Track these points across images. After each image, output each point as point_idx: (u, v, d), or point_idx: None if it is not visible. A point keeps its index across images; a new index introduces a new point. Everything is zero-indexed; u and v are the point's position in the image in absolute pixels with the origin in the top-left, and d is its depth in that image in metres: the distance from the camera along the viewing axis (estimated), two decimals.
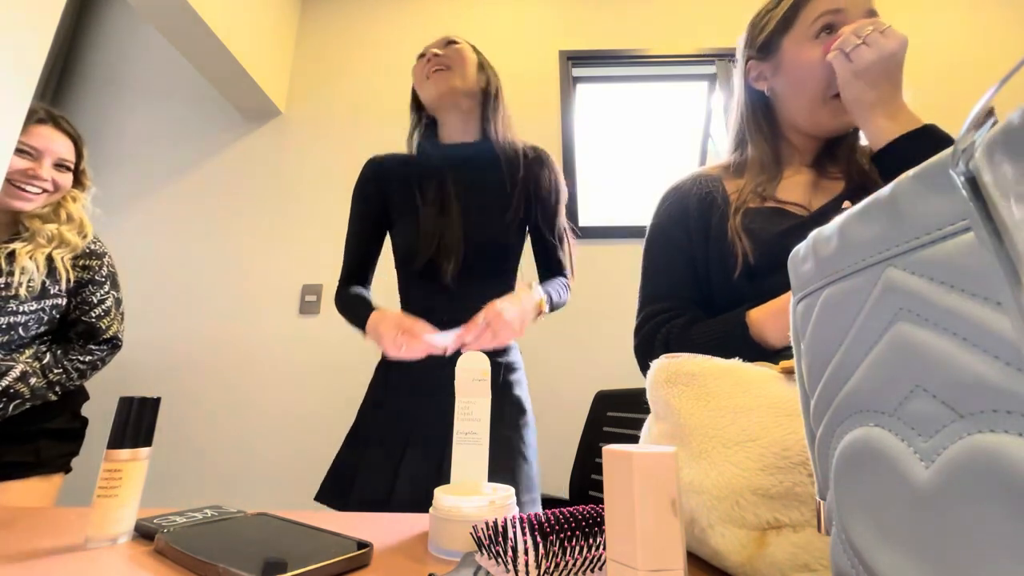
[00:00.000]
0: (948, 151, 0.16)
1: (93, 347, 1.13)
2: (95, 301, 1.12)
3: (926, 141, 0.58)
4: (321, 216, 1.91)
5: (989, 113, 0.15)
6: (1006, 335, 0.14)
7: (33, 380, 1.02)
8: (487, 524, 0.38)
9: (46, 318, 1.04)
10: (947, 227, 0.16)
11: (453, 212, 0.92)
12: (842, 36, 0.64)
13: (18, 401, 1.00)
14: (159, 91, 2.09)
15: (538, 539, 0.35)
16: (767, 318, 0.64)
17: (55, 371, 1.06)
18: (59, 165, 1.09)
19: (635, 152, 2.12)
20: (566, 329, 1.70)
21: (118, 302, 1.18)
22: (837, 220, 0.23)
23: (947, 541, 0.15)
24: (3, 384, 0.98)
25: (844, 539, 0.21)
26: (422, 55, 0.98)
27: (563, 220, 1.02)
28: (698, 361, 0.42)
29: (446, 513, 0.45)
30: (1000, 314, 0.14)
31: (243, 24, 1.76)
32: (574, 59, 2.02)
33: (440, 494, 0.47)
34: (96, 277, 1.13)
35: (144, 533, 0.47)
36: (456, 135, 0.99)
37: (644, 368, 0.50)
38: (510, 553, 0.35)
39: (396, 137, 1.96)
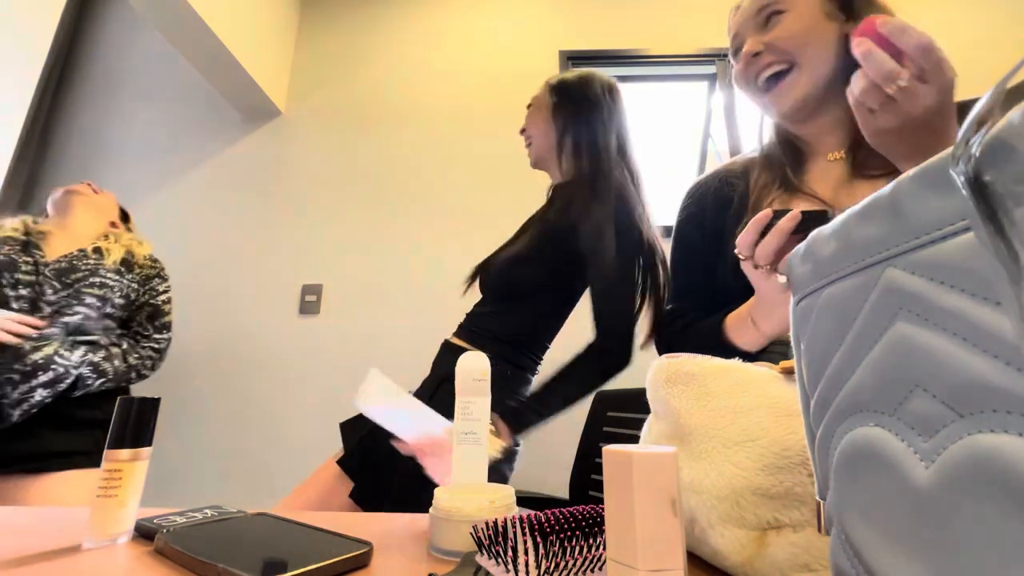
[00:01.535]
0: (948, 151, 0.16)
1: (157, 335, 1.32)
2: (161, 289, 1.35)
3: None
4: (321, 216, 1.91)
5: (989, 112, 0.15)
6: (1006, 335, 0.14)
7: (116, 361, 1.18)
8: (487, 524, 0.38)
9: (126, 291, 1.24)
10: (947, 227, 0.16)
11: None
12: (868, 77, 0.50)
13: (103, 380, 1.14)
14: (159, 91, 2.09)
15: (538, 539, 0.35)
16: (732, 323, 0.64)
17: (133, 356, 1.23)
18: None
19: (635, 152, 2.12)
20: (566, 329, 1.69)
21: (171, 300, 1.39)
22: (837, 220, 0.23)
23: (947, 541, 0.15)
24: (95, 359, 1.13)
25: (844, 539, 0.21)
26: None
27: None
28: (698, 361, 0.42)
29: (446, 513, 0.45)
30: (1000, 314, 0.14)
31: (243, 24, 1.76)
32: (574, 59, 2.02)
33: (440, 494, 0.47)
34: (162, 274, 1.37)
35: (144, 533, 0.47)
36: None
37: None
38: (510, 553, 0.35)
39: (396, 137, 1.96)
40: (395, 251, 1.78)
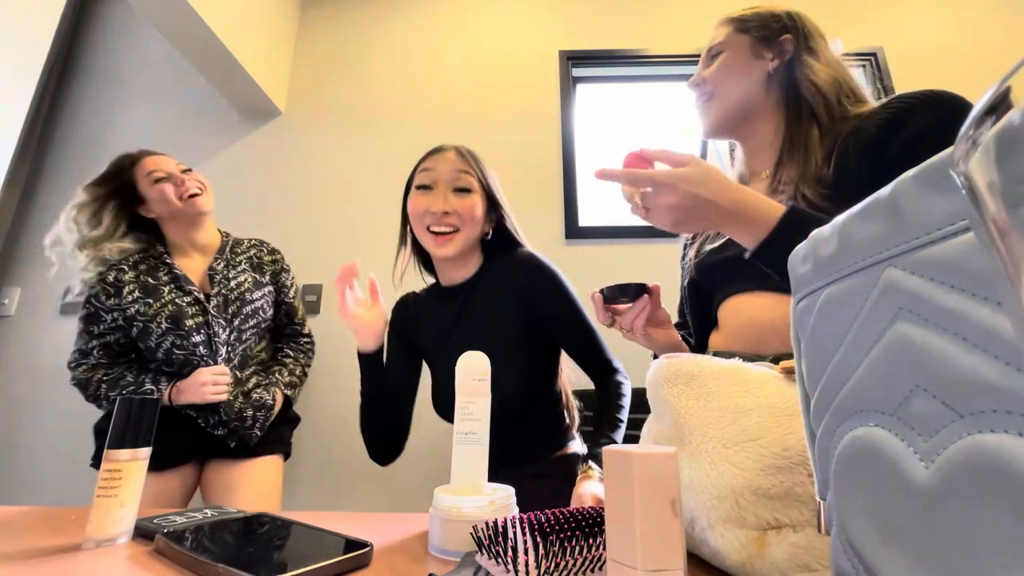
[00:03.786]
0: (948, 151, 0.16)
1: (303, 330, 1.38)
2: (288, 284, 1.36)
3: (788, 236, 0.51)
4: (321, 216, 1.91)
5: (989, 112, 0.14)
6: (1006, 335, 0.14)
7: (297, 369, 1.31)
8: (487, 524, 0.38)
9: (271, 300, 1.29)
10: (947, 227, 0.16)
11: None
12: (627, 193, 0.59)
13: (298, 389, 1.29)
14: (159, 91, 2.09)
15: (538, 539, 0.35)
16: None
17: (301, 358, 1.34)
18: (184, 170, 1.24)
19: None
20: None
21: (298, 288, 1.43)
22: (837, 220, 0.23)
23: (947, 541, 0.15)
24: (287, 378, 1.26)
25: (844, 539, 0.21)
26: (424, 186, 0.88)
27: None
28: (698, 361, 0.42)
29: (446, 513, 0.45)
30: (1000, 314, 0.14)
31: (243, 24, 1.76)
32: (574, 59, 2.02)
33: (440, 494, 0.47)
34: (283, 264, 1.36)
35: (144, 533, 0.47)
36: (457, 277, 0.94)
37: None
38: (510, 553, 0.35)
39: (396, 137, 1.96)
40: (394, 249, 1.78)
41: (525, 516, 0.39)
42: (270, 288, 1.29)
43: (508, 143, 1.92)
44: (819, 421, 0.23)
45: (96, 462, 1.16)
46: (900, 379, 0.18)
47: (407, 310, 1.02)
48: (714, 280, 0.77)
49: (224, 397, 1.10)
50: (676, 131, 2.12)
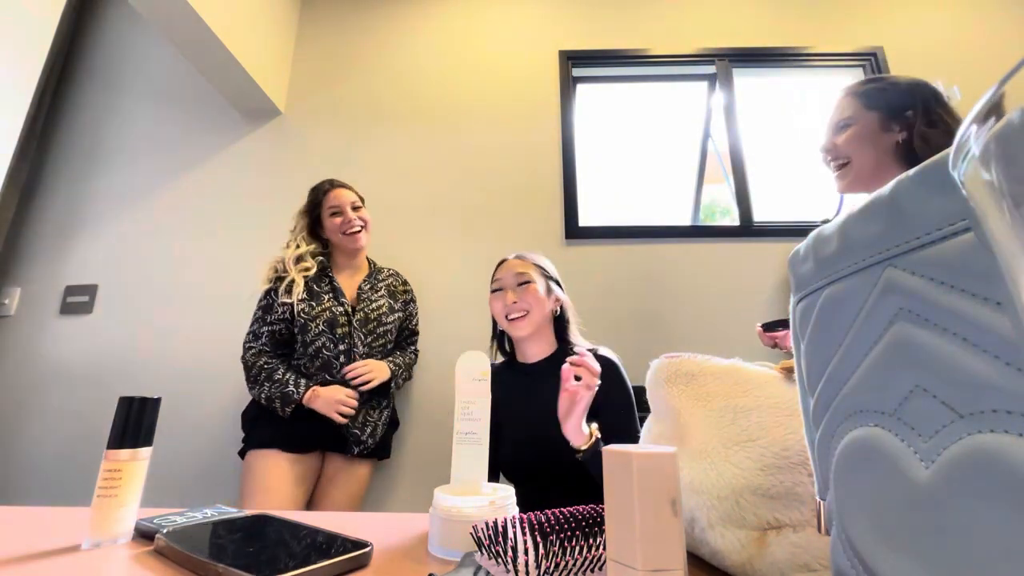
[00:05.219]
0: (948, 151, 0.16)
1: (411, 348, 1.53)
2: (415, 313, 1.57)
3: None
4: None
5: (990, 112, 0.14)
6: (1006, 335, 0.14)
7: (407, 374, 1.45)
8: (487, 524, 0.38)
9: (398, 325, 1.47)
10: (947, 227, 0.16)
11: None
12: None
13: (388, 394, 1.40)
14: (159, 91, 2.09)
15: (538, 539, 0.35)
16: None
17: (410, 371, 1.48)
18: (355, 207, 1.45)
19: (635, 152, 2.12)
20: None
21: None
22: (838, 220, 0.23)
23: (947, 541, 0.15)
24: (401, 379, 1.41)
25: (844, 539, 0.21)
26: (497, 290, 1.10)
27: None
28: (698, 361, 0.42)
29: (446, 513, 0.45)
30: (1000, 314, 0.14)
31: (243, 24, 1.75)
32: (574, 59, 2.02)
33: (440, 494, 0.47)
34: (412, 297, 1.57)
35: (144, 533, 0.47)
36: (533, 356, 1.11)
37: None
38: (510, 553, 0.35)
39: (396, 137, 1.96)
40: (395, 249, 1.78)
41: (525, 516, 0.39)
42: (400, 315, 1.48)
43: (508, 143, 1.92)
44: (819, 421, 0.23)
45: (242, 451, 1.30)
46: (900, 379, 0.18)
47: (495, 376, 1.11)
48: None
49: (345, 421, 1.25)
50: (676, 131, 2.12)
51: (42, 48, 1.82)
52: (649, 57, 2.00)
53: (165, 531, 0.44)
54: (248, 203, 1.93)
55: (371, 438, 1.32)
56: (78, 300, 1.79)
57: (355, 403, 1.26)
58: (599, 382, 0.82)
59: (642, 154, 2.13)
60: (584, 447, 0.81)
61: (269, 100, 1.93)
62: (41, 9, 1.82)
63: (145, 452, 0.49)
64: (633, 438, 0.94)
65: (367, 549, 0.41)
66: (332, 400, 1.24)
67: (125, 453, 0.47)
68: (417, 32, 2.12)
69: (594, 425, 0.85)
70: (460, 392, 0.54)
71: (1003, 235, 0.14)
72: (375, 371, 1.31)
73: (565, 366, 0.83)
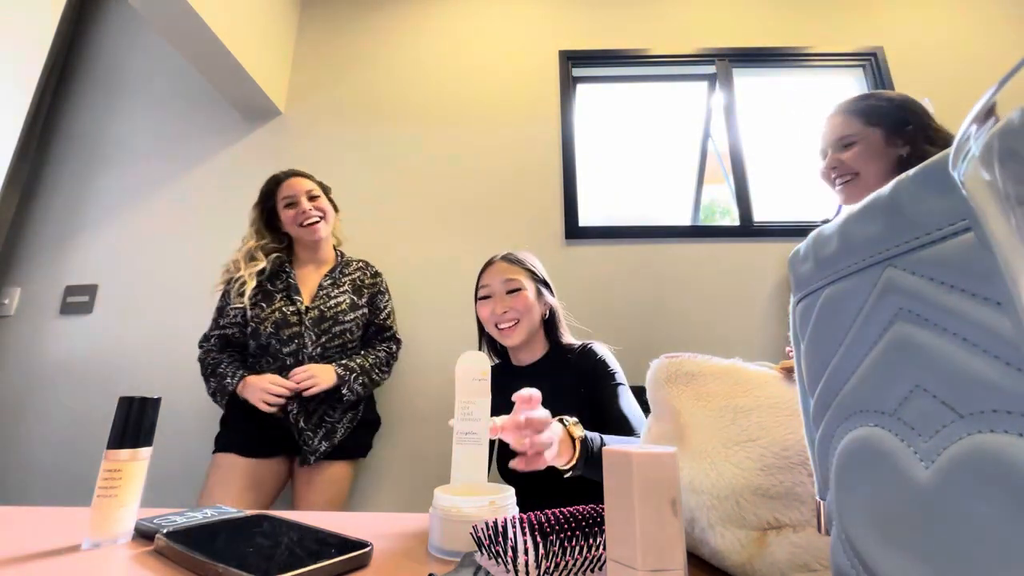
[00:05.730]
0: (948, 151, 0.16)
1: (383, 344, 1.42)
2: (382, 307, 1.44)
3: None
4: None
5: (989, 112, 0.14)
6: (1006, 335, 0.14)
7: (365, 378, 1.31)
8: (487, 524, 0.38)
9: (363, 321, 1.37)
10: (947, 227, 0.16)
11: None
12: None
13: (355, 398, 1.30)
14: (159, 91, 2.09)
15: (538, 539, 0.35)
16: None
17: (375, 372, 1.35)
18: (311, 197, 1.38)
19: (635, 152, 2.12)
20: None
21: (393, 308, 1.50)
22: (838, 220, 0.23)
23: (947, 540, 0.15)
24: (357, 384, 1.28)
25: (844, 539, 0.21)
26: (485, 296, 1.06)
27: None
28: (698, 361, 0.42)
29: (446, 513, 0.45)
30: (1000, 314, 0.14)
31: (243, 24, 1.75)
32: (574, 59, 2.02)
33: (440, 494, 0.47)
34: (381, 289, 1.46)
35: (144, 533, 0.47)
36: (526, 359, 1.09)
37: None
38: (510, 553, 0.35)
39: (396, 137, 1.96)
40: (396, 249, 1.78)
41: (525, 516, 0.39)
42: (364, 310, 1.38)
43: (508, 143, 1.92)
44: (819, 421, 0.23)
45: (216, 447, 1.25)
46: (900, 379, 0.18)
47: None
48: None
49: (273, 411, 1.17)
50: (676, 131, 2.12)
51: (42, 48, 1.82)
52: (649, 57, 2.00)
53: (165, 531, 0.44)
54: (248, 203, 1.93)
55: (326, 441, 1.25)
56: (78, 300, 1.79)
57: (283, 391, 1.17)
58: (551, 442, 0.60)
59: (642, 154, 2.12)
60: (572, 462, 0.66)
61: (269, 100, 1.93)
62: (41, 9, 1.82)
63: (145, 452, 0.49)
64: (625, 417, 0.94)
65: (367, 549, 0.41)
66: (258, 389, 1.17)
67: (125, 453, 0.47)
68: (417, 32, 2.12)
69: (578, 431, 0.69)
70: (460, 392, 0.54)
71: (1003, 235, 0.14)
72: (317, 376, 1.20)
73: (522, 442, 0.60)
